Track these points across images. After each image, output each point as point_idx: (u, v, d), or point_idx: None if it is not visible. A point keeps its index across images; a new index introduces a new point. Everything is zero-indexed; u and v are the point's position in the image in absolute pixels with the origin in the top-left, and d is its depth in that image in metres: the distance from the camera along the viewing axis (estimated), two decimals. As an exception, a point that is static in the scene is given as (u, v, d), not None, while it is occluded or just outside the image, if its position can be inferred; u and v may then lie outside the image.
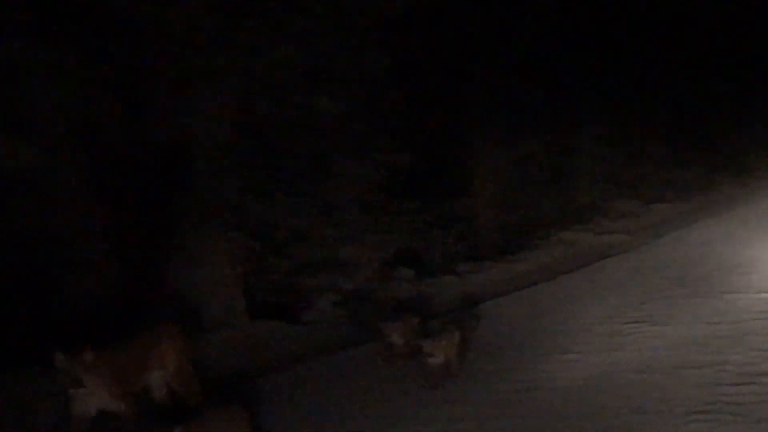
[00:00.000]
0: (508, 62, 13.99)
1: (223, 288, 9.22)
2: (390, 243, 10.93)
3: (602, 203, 16.55)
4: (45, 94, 8.06)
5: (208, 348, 8.58)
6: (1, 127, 7.88)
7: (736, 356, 7.72)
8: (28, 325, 8.01)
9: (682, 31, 18.59)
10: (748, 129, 21.74)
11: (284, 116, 9.64)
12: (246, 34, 9.13)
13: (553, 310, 9.99)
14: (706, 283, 10.51)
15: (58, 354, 6.35)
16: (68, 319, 8.29)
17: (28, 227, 8.27)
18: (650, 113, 18.33)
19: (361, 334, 9.07)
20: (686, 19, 18.59)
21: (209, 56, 8.87)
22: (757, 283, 10.17)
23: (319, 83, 9.71)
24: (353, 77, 10.02)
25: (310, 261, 10.10)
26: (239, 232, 9.47)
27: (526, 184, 15.16)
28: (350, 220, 10.47)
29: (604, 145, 17.20)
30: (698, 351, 7.97)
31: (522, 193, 14.92)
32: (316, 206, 10.18)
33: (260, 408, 7.26)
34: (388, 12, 10.24)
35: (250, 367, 8.37)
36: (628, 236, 14.40)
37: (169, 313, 8.61)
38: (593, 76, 15.82)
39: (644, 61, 17.80)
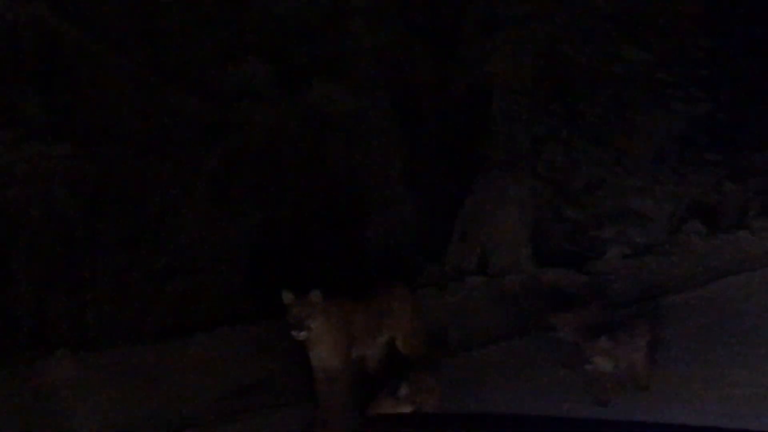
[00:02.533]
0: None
1: (513, 234, 9.27)
2: (684, 196, 10.57)
3: None
4: (363, 39, 8.34)
5: (496, 289, 8.71)
6: (325, 71, 8.25)
7: None
8: (334, 260, 8.41)
9: None
10: None
11: (586, 63, 9.48)
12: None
13: None
14: None
15: (286, 292, 6.10)
16: (369, 255, 8.66)
17: (340, 164, 8.67)
18: None
19: (647, 288, 8.92)
20: None
21: (514, 2, 8.85)
22: None
23: (624, 30, 9.46)
24: (659, 24, 9.68)
25: (602, 211, 9.95)
26: (534, 178, 9.47)
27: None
28: (645, 170, 10.21)
29: None
30: None
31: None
32: (613, 156, 9.99)
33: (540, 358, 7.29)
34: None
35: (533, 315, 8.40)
36: None
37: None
38: None
39: None
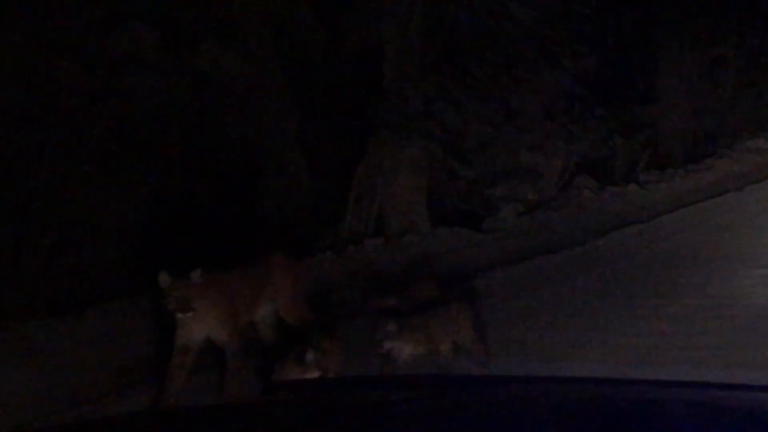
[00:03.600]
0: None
1: (408, 194, 9.33)
2: (574, 151, 10.79)
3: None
4: (250, 3, 8.23)
5: (392, 254, 8.76)
6: (213, 36, 8.12)
7: None
8: (228, 228, 8.34)
9: None
10: None
11: (474, 22, 9.54)
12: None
13: (741, 222, 9.72)
14: None
15: (162, 274, 5.77)
16: (264, 221, 8.62)
17: (232, 132, 8.57)
18: None
19: (544, 244, 9.09)
20: None
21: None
22: None
23: (511, -12, 9.56)
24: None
25: (495, 169, 10.09)
26: (426, 139, 9.53)
27: (716, 90, 14.58)
28: (535, 127, 10.37)
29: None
30: None
31: (710, 99, 14.38)
32: (503, 114, 10.12)
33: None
34: None
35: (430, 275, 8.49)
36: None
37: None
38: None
39: None
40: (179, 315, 5.83)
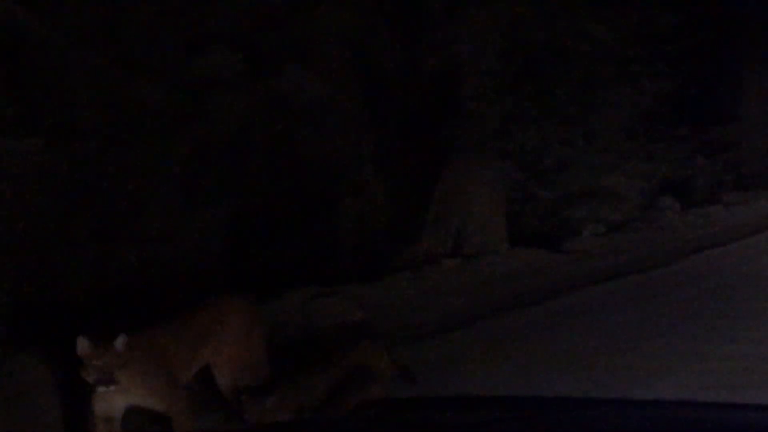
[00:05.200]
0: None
1: (485, 215, 9.31)
2: (655, 172, 10.66)
3: None
4: (330, 25, 8.31)
5: (469, 274, 8.74)
6: (294, 58, 8.22)
7: None
8: (306, 247, 8.41)
9: None
10: None
11: (553, 42, 9.51)
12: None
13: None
14: None
15: (81, 340, 5.05)
16: (342, 241, 8.67)
17: (310, 152, 8.66)
18: None
19: (625, 265, 8.99)
20: None
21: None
22: None
23: (590, 8, 9.50)
24: (624, 1, 9.73)
25: (574, 190, 10.02)
26: (504, 159, 9.51)
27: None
28: (615, 148, 10.28)
29: None
30: None
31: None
32: (582, 134, 10.04)
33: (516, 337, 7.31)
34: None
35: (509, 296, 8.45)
36: None
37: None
38: None
39: None
40: (99, 388, 5.12)
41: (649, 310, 7.76)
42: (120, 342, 5.09)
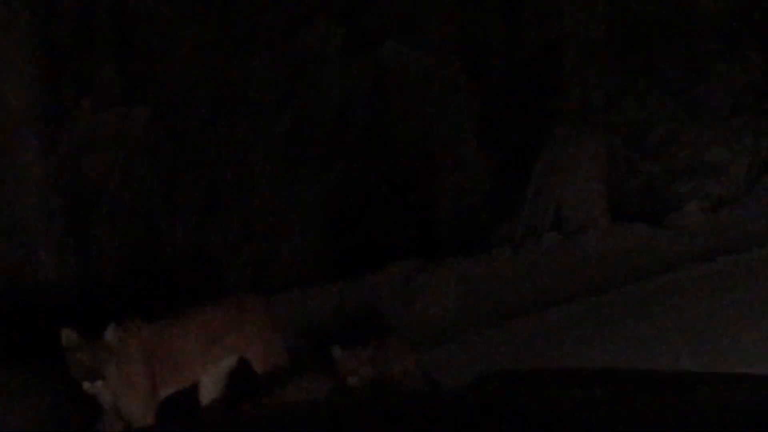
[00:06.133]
0: None
1: (588, 189, 9.18)
2: (762, 147, 10.35)
3: None
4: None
5: (569, 250, 8.64)
6: (396, 31, 8.22)
7: None
8: (406, 221, 8.43)
9: None
10: None
11: (659, 14, 9.31)
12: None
13: None
14: None
15: (66, 331, 4.79)
16: (441, 215, 8.67)
17: (410, 126, 8.66)
18: None
19: (730, 242, 8.77)
20: None
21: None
22: None
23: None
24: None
25: (678, 165, 9.80)
26: (608, 133, 9.36)
27: None
28: (721, 123, 10.02)
29: None
30: None
31: None
32: (688, 108, 9.82)
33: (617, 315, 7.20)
34: None
35: (610, 273, 8.34)
36: None
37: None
38: None
39: None
40: (85, 384, 4.77)
41: (755, 290, 7.56)
42: (110, 333, 4.80)
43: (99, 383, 4.78)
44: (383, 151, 8.71)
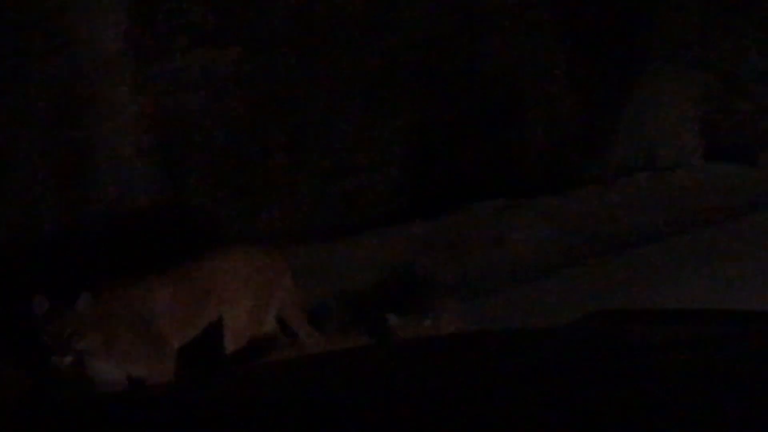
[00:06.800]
0: None
1: (680, 127, 9.03)
2: None
3: None
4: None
5: (661, 188, 8.53)
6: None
7: None
8: (492, 159, 8.38)
9: None
10: None
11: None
12: None
13: None
14: None
15: (39, 297, 4.37)
16: (529, 152, 8.60)
17: (497, 62, 8.56)
18: None
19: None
20: None
21: None
22: None
23: None
24: None
25: (773, 103, 9.58)
26: (701, 70, 9.16)
27: None
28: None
29: None
30: None
31: None
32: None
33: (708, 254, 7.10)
34: None
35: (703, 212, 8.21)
36: None
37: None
38: None
39: None
40: (53, 358, 4.35)
41: None
42: (81, 303, 4.40)
43: (68, 359, 4.37)
44: (470, 87, 8.63)
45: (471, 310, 6.32)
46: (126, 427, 2.35)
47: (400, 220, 7.98)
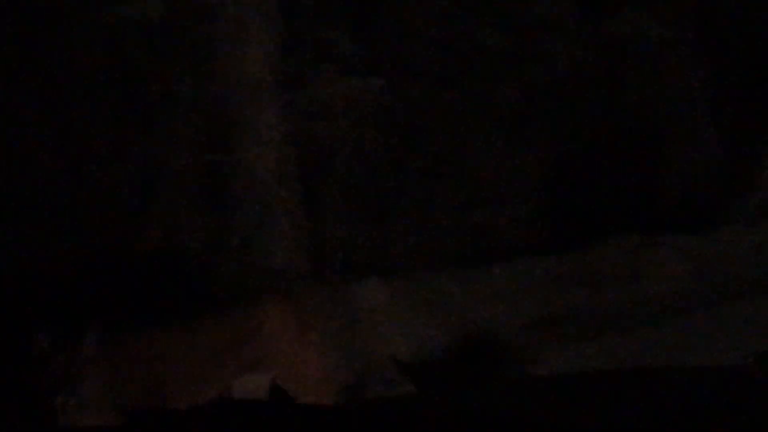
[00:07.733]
0: None
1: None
2: None
3: None
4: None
5: None
6: (631, 1, 8.06)
7: None
8: (627, 196, 8.27)
9: None
10: None
11: None
12: None
13: None
14: None
15: (40, 336, 4.07)
16: (666, 190, 8.44)
17: (637, 97, 8.47)
18: None
19: None
20: None
21: None
22: None
23: None
24: None
25: None
26: None
27: None
28: None
29: None
30: None
31: None
32: None
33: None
34: None
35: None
36: None
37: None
38: None
39: None
40: (57, 399, 4.00)
41: None
42: (89, 342, 4.14)
43: (73, 401, 4.07)
44: (610, 121, 8.55)
45: (607, 349, 6.24)
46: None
47: (534, 253, 7.94)
